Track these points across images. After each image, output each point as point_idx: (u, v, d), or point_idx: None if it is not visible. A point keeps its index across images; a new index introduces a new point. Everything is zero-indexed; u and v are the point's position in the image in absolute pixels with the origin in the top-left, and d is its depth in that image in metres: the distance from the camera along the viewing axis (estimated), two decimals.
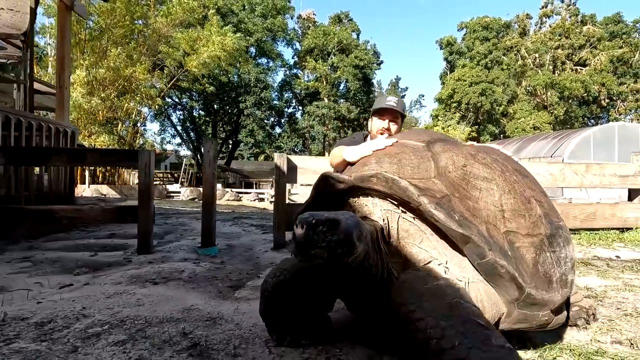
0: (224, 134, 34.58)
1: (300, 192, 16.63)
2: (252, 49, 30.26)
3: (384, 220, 1.19)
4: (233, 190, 21.14)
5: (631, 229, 4.11)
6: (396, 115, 2.25)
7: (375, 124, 2.28)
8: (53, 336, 1.39)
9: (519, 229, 1.16)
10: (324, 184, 1.32)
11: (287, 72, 32.72)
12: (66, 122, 4.29)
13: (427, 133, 1.57)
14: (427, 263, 1.11)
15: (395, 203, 1.21)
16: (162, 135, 30.38)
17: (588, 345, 1.41)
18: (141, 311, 1.70)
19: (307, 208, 1.39)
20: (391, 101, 2.25)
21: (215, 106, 30.56)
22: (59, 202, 4.00)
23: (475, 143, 1.65)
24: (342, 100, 31.34)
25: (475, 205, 1.15)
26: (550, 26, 32.76)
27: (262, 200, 20.56)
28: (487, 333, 0.86)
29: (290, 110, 34.26)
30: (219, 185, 22.04)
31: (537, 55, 31.24)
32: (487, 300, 1.08)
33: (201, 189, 15.97)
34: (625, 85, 30.18)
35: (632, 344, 1.41)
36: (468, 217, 1.07)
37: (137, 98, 22.75)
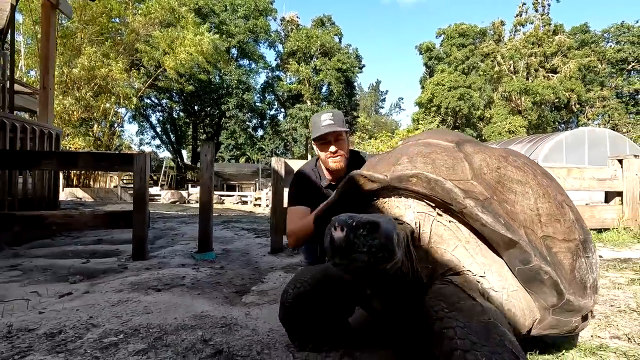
0: (205, 135, 34.04)
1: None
2: (234, 50, 30.00)
3: (416, 223, 1.15)
4: (215, 192, 20.83)
5: (608, 229, 4.35)
6: (339, 133, 2.04)
7: (321, 151, 2.08)
8: (68, 347, 1.35)
9: (555, 234, 1.14)
10: (352, 183, 1.27)
11: (270, 74, 32.64)
12: (50, 124, 4.13)
13: (450, 133, 1.53)
14: (459, 273, 1.09)
15: (432, 205, 1.16)
16: (140, 137, 29.63)
17: (590, 341, 1.50)
18: (152, 319, 1.67)
19: (330, 208, 1.37)
20: (326, 121, 2.02)
21: (195, 107, 30.09)
22: (44, 207, 3.85)
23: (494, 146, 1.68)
24: (324, 103, 31.51)
25: (512, 209, 1.12)
26: (524, 34, 34.11)
27: (245, 203, 20.38)
28: None
29: (272, 112, 34.13)
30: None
31: (512, 62, 32.44)
32: (526, 308, 1.09)
33: (182, 192, 15.70)
34: (593, 92, 31.79)
35: (629, 338, 1.51)
36: (508, 221, 1.06)
37: (114, 98, 22.14)
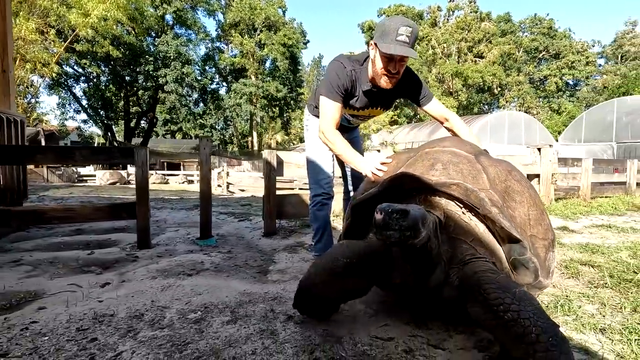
0: (136, 108, 31.53)
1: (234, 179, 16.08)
2: (169, 17, 27.74)
3: (444, 215, 1.48)
4: (158, 172, 19.83)
5: None
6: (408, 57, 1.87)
7: (380, 64, 1.92)
8: (162, 325, 1.64)
9: (537, 234, 1.53)
10: (400, 181, 1.58)
11: (210, 45, 30.88)
12: (13, 111, 3.90)
13: (466, 143, 1.88)
14: (477, 259, 1.40)
15: (460, 205, 1.50)
16: (63, 110, 26.36)
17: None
18: (208, 299, 1.99)
19: (375, 197, 1.67)
20: (402, 36, 1.79)
21: (127, 78, 27.55)
22: (15, 198, 3.72)
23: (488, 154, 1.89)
24: (269, 78, 30.91)
25: (513, 213, 1.49)
26: (455, 19, 36.49)
27: (191, 182, 19.77)
28: (549, 318, 1.14)
29: (213, 86, 32.58)
30: None
31: (445, 45, 34.69)
32: None
33: (122, 172, 14.82)
34: (511, 77, 35.59)
35: (553, 285, 2.24)
36: (514, 223, 1.44)
37: (28, 65, 19.50)
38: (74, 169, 18.60)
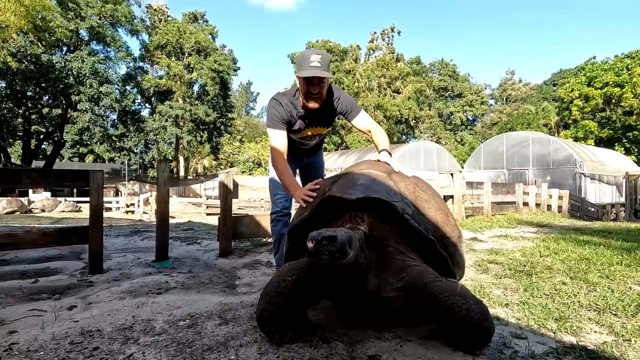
0: (36, 127, 27.98)
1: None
2: (84, 32, 25.79)
3: (369, 227, 1.67)
4: (68, 199, 17.67)
5: None
6: (323, 77, 2.16)
7: (303, 89, 2.23)
8: (157, 332, 1.77)
9: (446, 233, 1.77)
10: (326, 203, 1.80)
11: (132, 65, 29.22)
12: None
13: (379, 165, 2.10)
14: (411, 265, 1.61)
15: (379, 216, 1.69)
16: None
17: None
18: (189, 310, 2.12)
19: (307, 220, 1.84)
20: (314, 62, 2.11)
21: (29, 94, 24.47)
22: None
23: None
24: (197, 102, 30.18)
25: (423, 218, 1.73)
26: (375, 57, 40.39)
27: (109, 209, 18.02)
28: (479, 300, 1.50)
29: (134, 107, 30.57)
30: (47, 194, 17.94)
31: (367, 80, 37.98)
32: None
33: (24, 200, 13.09)
34: (424, 112, 40.22)
35: (472, 280, 2.84)
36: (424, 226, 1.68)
37: None
38: None
